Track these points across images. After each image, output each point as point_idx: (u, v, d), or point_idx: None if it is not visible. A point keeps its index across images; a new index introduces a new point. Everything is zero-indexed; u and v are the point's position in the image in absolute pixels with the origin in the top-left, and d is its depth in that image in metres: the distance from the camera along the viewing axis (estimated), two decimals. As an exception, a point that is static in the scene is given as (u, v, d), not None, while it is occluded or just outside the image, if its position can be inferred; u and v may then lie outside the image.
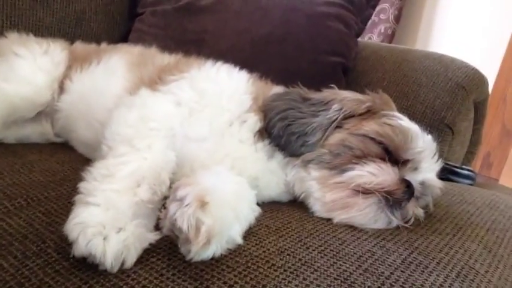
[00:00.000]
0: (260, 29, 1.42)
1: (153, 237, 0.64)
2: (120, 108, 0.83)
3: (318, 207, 0.85)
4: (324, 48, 1.43)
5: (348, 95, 0.94)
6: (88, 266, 0.58)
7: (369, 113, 0.91)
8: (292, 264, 0.64)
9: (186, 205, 0.59)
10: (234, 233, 0.66)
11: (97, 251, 0.56)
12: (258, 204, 0.82)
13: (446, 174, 1.39)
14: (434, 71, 1.61)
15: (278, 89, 0.98)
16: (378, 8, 3.28)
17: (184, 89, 0.88)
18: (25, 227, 0.67)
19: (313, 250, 0.69)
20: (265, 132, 0.90)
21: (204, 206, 0.60)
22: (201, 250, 0.58)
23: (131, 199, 0.66)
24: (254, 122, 0.89)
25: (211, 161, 0.82)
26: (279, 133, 0.88)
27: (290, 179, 0.90)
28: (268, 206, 0.88)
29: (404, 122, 0.89)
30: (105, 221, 0.60)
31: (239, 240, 0.67)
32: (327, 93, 0.96)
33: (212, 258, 0.63)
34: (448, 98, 1.54)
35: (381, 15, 3.28)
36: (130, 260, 0.59)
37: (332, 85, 1.00)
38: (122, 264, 0.58)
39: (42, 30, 1.41)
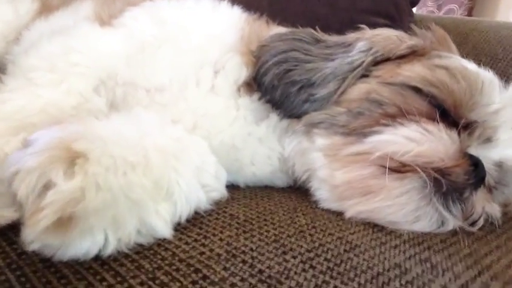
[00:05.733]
0: (282, -18, 1.13)
1: (9, 214, 0.37)
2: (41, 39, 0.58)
3: (324, 193, 0.54)
4: (363, 6, 1.12)
5: (381, 32, 0.63)
6: None
7: (414, 54, 0.59)
8: (241, 280, 0.34)
9: (31, 154, 0.31)
10: (154, 219, 0.38)
11: None
12: (232, 186, 0.54)
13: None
14: (514, 42, 1.24)
15: (282, 30, 0.69)
16: (445, 8, 2.95)
17: (139, 19, 0.62)
18: None
19: (294, 257, 0.39)
20: (255, 84, 0.61)
21: (73, 161, 0.32)
22: (52, 238, 0.31)
23: None
24: (237, 66, 0.61)
25: (167, 117, 0.55)
26: (273, 82, 0.58)
27: (288, 152, 0.60)
28: (251, 191, 0.59)
29: (471, 65, 0.56)
30: None
31: (163, 232, 0.39)
32: (351, 34, 0.66)
33: (97, 259, 0.35)
34: (534, 75, 1.17)
35: (449, 16, 2.90)
36: None
37: (362, 25, 0.69)
38: None
39: None
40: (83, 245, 0.33)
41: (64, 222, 0.31)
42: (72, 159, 0.32)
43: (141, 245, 0.38)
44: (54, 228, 0.30)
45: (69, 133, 0.34)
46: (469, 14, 2.86)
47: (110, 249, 0.35)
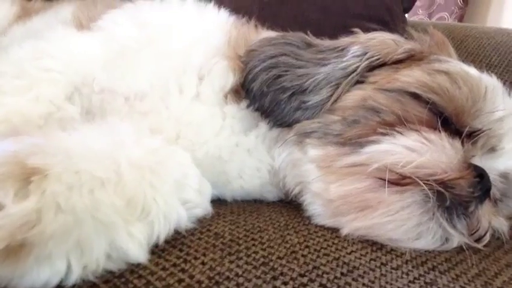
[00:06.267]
0: (272, -14, 1.10)
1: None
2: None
3: (318, 209, 0.50)
4: (356, 12, 1.09)
5: (376, 35, 0.59)
6: None
7: (411, 59, 0.56)
8: (224, 313, 0.30)
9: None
10: (125, 242, 0.34)
11: None
12: (218, 201, 0.50)
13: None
14: (510, 47, 1.22)
15: (271, 34, 0.66)
16: (436, 16, 2.96)
17: (119, 21, 0.58)
18: None
19: (285, 283, 0.35)
20: (243, 90, 0.57)
21: (28, 178, 0.28)
22: (1, 268, 0.26)
23: None
24: (223, 71, 0.57)
25: (144, 127, 0.51)
26: (262, 89, 0.54)
27: (278, 164, 0.55)
28: (239, 206, 0.54)
29: (472, 70, 0.53)
30: None
31: (137, 256, 0.35)
32: (345, 38, 0.63)
33: (59, 289, 0.30)
34: (531, 82, 1.14)
35: (439, 25, 2.91)
36: None
37: (355, 29, 0.65)
38: None
39: None
40: (41, 274, 0.29)
41: (15, 250, 0.26)
42: (27, 177, 0.28)
43: (111, 272, 0.33)
44: (3, 256, 0.26)
45: (26, 146, 0.30)
46: (460, 22, 2.87)
47: (74, 278, 0.30)
